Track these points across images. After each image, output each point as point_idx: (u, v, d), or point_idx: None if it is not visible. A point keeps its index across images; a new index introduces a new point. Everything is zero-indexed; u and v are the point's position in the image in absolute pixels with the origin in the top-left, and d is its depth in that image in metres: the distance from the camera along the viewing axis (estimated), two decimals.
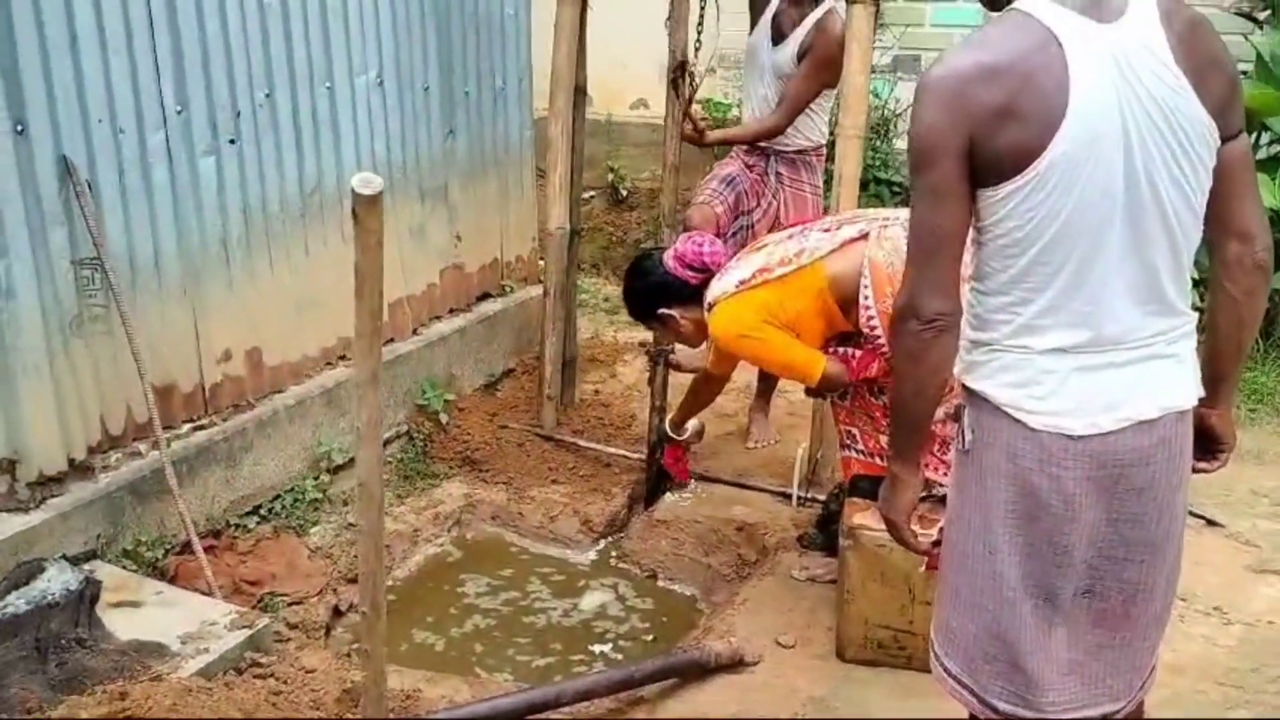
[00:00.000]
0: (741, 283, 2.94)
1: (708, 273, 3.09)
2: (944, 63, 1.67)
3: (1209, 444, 1.94)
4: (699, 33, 3.69)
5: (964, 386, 1.83)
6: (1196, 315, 1.78)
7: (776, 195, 4.02)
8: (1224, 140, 1.71)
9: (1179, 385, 1.76)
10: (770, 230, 3.85)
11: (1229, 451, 1.97)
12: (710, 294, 3.03)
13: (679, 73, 3.63)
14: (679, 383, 3.83)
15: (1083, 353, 1.71)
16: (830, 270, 2.85)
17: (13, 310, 2.76)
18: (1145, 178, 1.65)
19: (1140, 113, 1.63)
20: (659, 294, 3.18)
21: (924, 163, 1.67)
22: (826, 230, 2.95)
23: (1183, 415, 1.77)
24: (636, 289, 3.28)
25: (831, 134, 3.90)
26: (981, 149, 1.63)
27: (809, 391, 3.18)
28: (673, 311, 3.17)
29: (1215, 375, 1.88)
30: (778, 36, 3.91)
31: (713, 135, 4.00)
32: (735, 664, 2.88)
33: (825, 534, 3.37)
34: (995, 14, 1.74)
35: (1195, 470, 1.91)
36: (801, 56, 3.83)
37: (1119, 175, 1.64)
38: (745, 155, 4.07)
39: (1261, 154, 4.86)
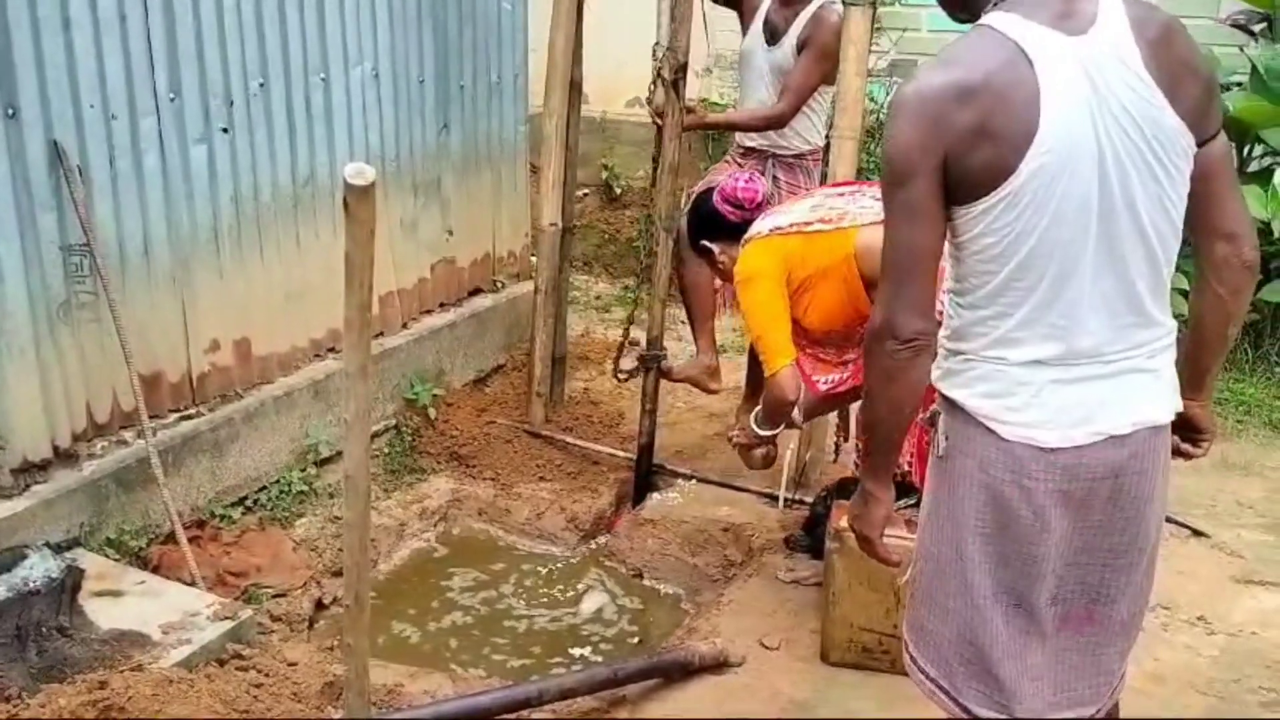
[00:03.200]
0: (775, 229, 2.97)
1: (745, 210, 3.12)
2: (918, 80, 1.67)
3: (1192, 433, 1.97)
4: (675, 34, 3.65)
5: (940, 394, 1.82)
6: (1177, 325, 1.78)
7: (772, 200, 3.99)
8: (1203, 142, 1.70)
9: (1155, 400, 1.75)
10: None
11: (1210, 439, 2.01)
12: (748, 233, 3.06)
13: (680, 73, 3.61)
14: (666, 388, 3.82)
15: (1058, 365, 1.70)
16: (862, 239, 2.82)
17: (0, 295, 2.74)
18: (1120, 191, 1.64)
19: (1114, 126, 1.62)
20: (704, 227, 3.26)
21: (899, 180, 1.67)
22: (877, 199, 2.94)
23: (1157, 430, 1.76)
24: (690, 220, 3.37)
25: (827, 136, 3.89)
26: (955, 167, 1.63)
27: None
28: (714, 246, 3.22)
29: (1200, 369, 1.91)
30: (772, 37, 3.90)
31: (713, 117, 3.99)
32: (719, 665, 2.87)
33: (812, 536, 3.37)
34: (968, 27, 1.72)
35: (1180, 455, 1.95)
36: (800, 49, 3.83)
37: (1094, 189, 1.63)
38: (741, 159, 4.06)
39: (1254, 166, 4.87)
